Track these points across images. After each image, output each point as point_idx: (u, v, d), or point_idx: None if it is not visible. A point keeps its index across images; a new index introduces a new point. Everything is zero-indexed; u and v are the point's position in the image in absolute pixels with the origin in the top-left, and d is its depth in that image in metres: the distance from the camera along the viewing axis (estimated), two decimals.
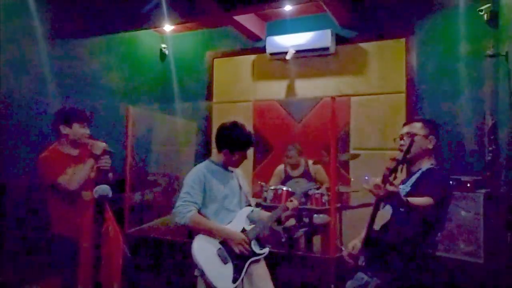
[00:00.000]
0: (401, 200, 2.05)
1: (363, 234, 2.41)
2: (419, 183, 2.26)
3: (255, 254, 2.61)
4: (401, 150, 2.26)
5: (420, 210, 2.10)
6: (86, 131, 2.90)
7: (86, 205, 2.82)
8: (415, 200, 2.08)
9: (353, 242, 2.40)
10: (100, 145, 2.82)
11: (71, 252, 2.76)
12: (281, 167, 4.52)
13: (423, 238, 2.22)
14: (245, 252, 2.55)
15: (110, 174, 2.90)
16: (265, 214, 2.91)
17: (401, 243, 2.17)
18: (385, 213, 2.26)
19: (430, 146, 2.33)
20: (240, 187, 2.82)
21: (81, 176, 2.77)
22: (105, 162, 2.77)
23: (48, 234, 2.90)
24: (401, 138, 2.39)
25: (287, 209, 2.89)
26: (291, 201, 2.95)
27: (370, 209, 2.21)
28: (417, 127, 2.37)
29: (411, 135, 2.30)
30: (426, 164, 2.33)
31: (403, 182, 2.37)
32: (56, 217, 2.91)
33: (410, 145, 2.10)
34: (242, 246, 2.55)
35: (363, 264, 2.24)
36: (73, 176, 2.77)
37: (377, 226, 2.22)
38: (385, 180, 2.02)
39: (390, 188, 2.00)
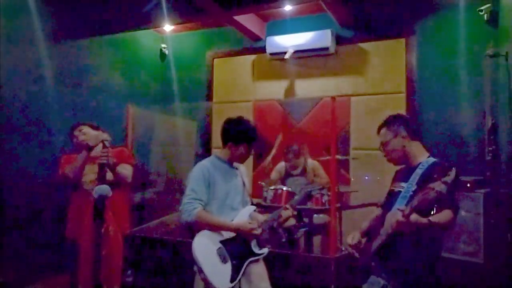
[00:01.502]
0: (424, 224, 1.97)
1: (363, 228, 2.40)
2: (426, 180, 2.11)
3: (254, 254, 2.62)
4: (389, 160, 2.37)
5: (442, 228, 2.07)
6: (83, 129, 3.10)
7: (86, 206, 2.84)
8: (439, 218, 2.02)
9: (352, 234, 2.38)
10: (93, 135, 2.87)
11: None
12: (282, 164, 4.53)
13: (437, 242, 2.20)
14: (257, 234, 2.59)
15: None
16: (260, 217, 2.90)
17: (415, 247, 2.13)
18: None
19: (405, 142, 2.30)
20: (244, 185, 2.82)
21: (75, 165, 2.93)
22: (102, 153, 2.80)
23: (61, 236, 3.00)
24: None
25: (281, 216, 2.85)
26: (286, 209, 2.88)
27: (369, 209, 2.20)
28: (383, 134, 2.38)
29: (383, 145, 2.36)
30: (422, 156, 2.28)
31: (405, 179, 2.28)
32: (69, 221, 2.98)
33: (454, 179, 1.97)
34: (255, 230, 2.58)
35: (377, 267, 2.21)
36: (71, 166, 2.94)
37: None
38: (410, 211, 1.95)
39: (414, 218, 1.94)
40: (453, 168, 1.97)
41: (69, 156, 3.16)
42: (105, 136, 3.01)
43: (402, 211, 1.99)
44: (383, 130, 2.38)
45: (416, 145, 2.33)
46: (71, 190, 3.08)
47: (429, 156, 2.29)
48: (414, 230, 2.02)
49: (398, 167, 2.44)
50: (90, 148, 2.92)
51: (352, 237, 2.36)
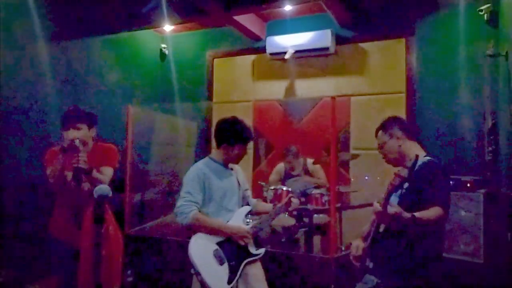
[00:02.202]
0: (407, 220, 1.99)
1: (364, 231, 2.41)
2: (418, 177, 2.17)
3: (251, 255, 2.61)
4: (386, 161, 2.43)
5: (430, 224, 2.07)
6: (80, 128, 2.85)
7: (69, 207, 2.82)
8: (424, 214, 2.03)
9: (355, 243, 2.39)
10: (66, 136, 2.78)
11: (68, 255, 2.76)
12: (281, 165, 4.54)
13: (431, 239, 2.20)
14: (248, 243, 2.58)
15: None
16: (265, 205, 2.95)
17: (407, 245, 2.14)
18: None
19: (401, 142, 2.36)
20: (239, 186, 2.81)
21: (53, 168, 2.75)
22: (75, 156, 2.62)
23: (45, 236, 2.93)
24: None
25: (290, 203, 2.88)
26: (291, 200, 2.91)
27: (369, 209, 2.20)
28: (379, 137, 2.46)
29: (380, 147, 2.43)
30: (414, 153, 2.29)
31: None
32: (52, 220, 2.94)
33: (415, 163, 2.12)
34: (246, 239, 2.57)
35: (371, 267, 2.22)
36: (51, 169, 2.77)
37: (381, 228, 2.20)
38: (386, 200, 2.01)
39: (391, 210, 1.98)
40: (416, 155, 2.13)
41: (54, 151, 2.85)
42: (74, 133, 2.74)
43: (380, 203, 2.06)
44: (379, 133, 2.46)
45: (412, 145, 2.37)
46: (57, 190, 2.96)
47: (425, 155, 2.31)
48: (399, 225, 2.04)
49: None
50: (64, 150, 2.70)
51: (356, 249, 2.37)
